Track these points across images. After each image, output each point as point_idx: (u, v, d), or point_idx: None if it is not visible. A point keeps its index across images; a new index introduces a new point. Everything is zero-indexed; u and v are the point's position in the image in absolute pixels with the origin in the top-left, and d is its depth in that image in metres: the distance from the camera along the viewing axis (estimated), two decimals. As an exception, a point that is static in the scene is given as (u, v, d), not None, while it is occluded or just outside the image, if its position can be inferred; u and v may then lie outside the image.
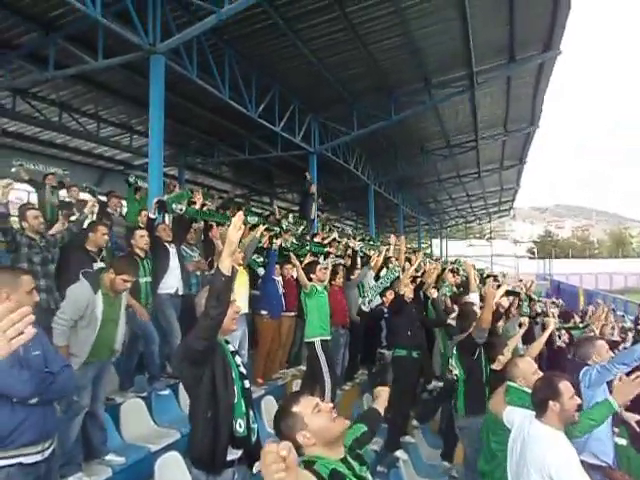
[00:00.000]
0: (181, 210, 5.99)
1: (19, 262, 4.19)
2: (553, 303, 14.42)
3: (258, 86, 10.60)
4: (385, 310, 6.80)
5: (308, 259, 6.83)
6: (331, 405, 1.83)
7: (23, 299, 2.36)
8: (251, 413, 2.54)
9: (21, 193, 10.89)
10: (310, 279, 5.49)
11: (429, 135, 16.50)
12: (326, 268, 6.01)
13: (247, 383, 2.60)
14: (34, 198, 8.32)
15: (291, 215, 11.71)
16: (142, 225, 5.80)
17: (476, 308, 4.85)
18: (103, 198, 7.95)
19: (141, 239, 4.98)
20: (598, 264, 47.80)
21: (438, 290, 7.00)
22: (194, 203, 6.60)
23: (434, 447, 5.81)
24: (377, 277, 7.93)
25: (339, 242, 10.40)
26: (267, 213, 12.79)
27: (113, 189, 8.56)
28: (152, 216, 5.53)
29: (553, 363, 7.36)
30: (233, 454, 2.44)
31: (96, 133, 13.14)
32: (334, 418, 1.79)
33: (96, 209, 7.10)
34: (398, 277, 6.37)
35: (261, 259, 6.54)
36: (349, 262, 8.12)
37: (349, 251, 8.93)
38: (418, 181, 22.76)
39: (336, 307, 6.23)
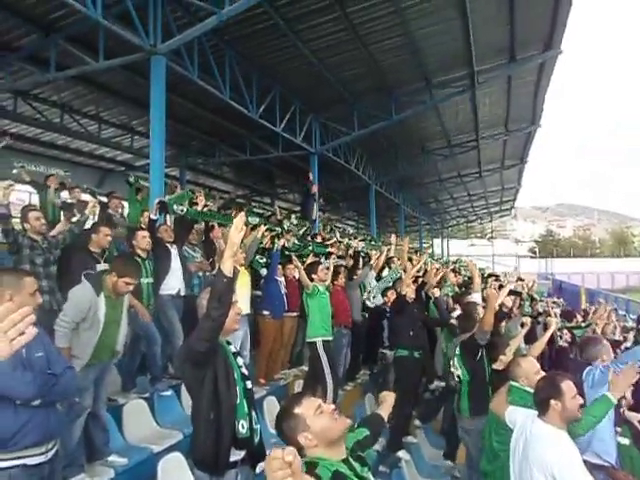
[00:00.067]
0: (182, 211, 5.99)
1: (21, 263, 4.19)
2: (554, 303, 14.40)
3: (259, 86, 10.60)
4: (387, 309, 6.81)
5: (310, 259, 6.84)
6: (333, 406, 1.83)
7: (26, 301, 2.37)
8: (253, 414, 2.55)
9: (22, 194, 10.93)
10: (312, 279, 5.49)
11: (430, 135, 16.49)
12: (328, 268, 6.01)
13: (249, 384, 2.61)
14: (35, 199, 8.34)
15: (293, 216, 11.71)
16: (144, 226, 5.80)
17: (479, 307, 4.84)
18: (104, 199, 7.96)
19: (143, 240, 4.99)
20: (600, 263, 47.76)
21: (440, 290, 7.00)
22: (196, 204, 6.60)
23: (436, 447, 5.81)
24: (379, 277, 7.94)
25: (340, 242, 10.41)
26: (268, 214, 12.80)
27: (115, 190, 8.57)
28: (153, 217, 5.53)
29: (555, 363, 7.35)
30: (236, 455, 2.44)
31: (97, 134, 13.15)
32: (336, 419, 1.78)
33: (97, 210, 7.12)
34: (400, 277, 6.37)
35: (264, 260, 6.55)
36: (350, 262, 8.12)
37: (350, 251, 8.93)
38: (419, 181, 22.75)
39: (338, 307, 6.23)
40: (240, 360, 2.63)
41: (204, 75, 9.04)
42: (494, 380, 4.00)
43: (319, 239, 9.96)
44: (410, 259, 8.65)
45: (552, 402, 2.62)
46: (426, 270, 7.72)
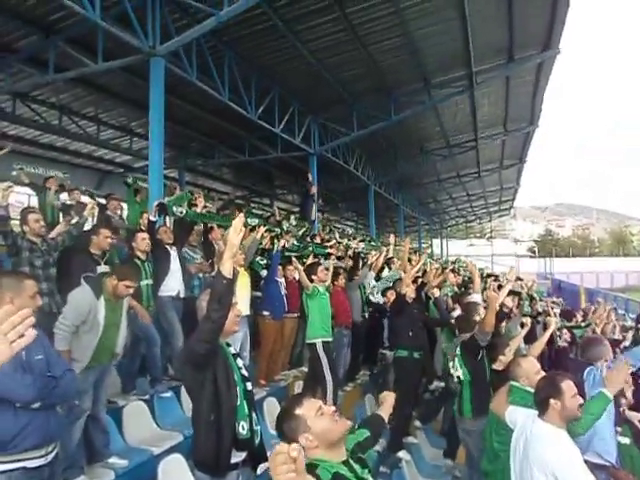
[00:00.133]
0: (182, 213, 5.99)
1: (20, 266, 4.19)
2: (554, 302, 14.39)
3: (258, 88, 10.60)
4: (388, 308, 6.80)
5: (310, 260, 6.84)
6: (334, 408, 1.83)
7: (26, 303, 2.36)
8: (254, 415, 2.55)
9: (21, 196, 10.93)
10: (312, 280, 5.49)
11: (429, 135, 16.50)
12: (327, 269, 6.01)
13: (249, 385, 2.61)
14: (34, 201, 8.34)
15: (292, 217, 11.71)
16: (143, 228, 5.80)
17: (480, 307, 4.85)
18: (102, 201, 7.95)
19: (142, 242, 4.99)
20: (599, 263, 47.76)
21: (440, 290, 7.00)
22: (195, 205, 6.60)
23: (437, 447, 5.81)
24: (378, 278, 7.94)
25: (340, 243, 10.41)
26: (267, 215, 12.80)
27: (113, 192, 8.56)
28: (152, 219, 5.53)
29: (555, 362, 7.35)
30: (237, 456, 2.44)
31: (96, 136, 13.14)
32: (337, 420, 1.78)
33: (95, 212, 7.11)
34: (400, 278, 6.37)
35: (264, 261, 6.55)
36: (350, 263, 8.13)
37: (350, 252, 8.93)
38: (418, 181, 22.76)
39: (338, 308, 6.24)
40: (240, 361, 2.64)
41: (203, 76, 9.04)
42: (494, 380, 4.00)
43: (318, 240, 9.96)
44: (409, 259, 8.66)
45: (552, 401, 2.63)
46: (425, 270, 7.72)
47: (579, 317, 10.42)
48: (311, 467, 1.67)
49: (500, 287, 6.31)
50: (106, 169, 16.16)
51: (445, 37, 10.05)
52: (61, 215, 7.36)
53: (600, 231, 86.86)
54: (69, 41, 8.28)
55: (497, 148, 18.96)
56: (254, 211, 13.63)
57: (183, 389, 4.41)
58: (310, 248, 8.38)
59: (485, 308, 4.42)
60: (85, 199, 7.80)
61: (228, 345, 2.64)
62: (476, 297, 5.56)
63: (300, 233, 9.67)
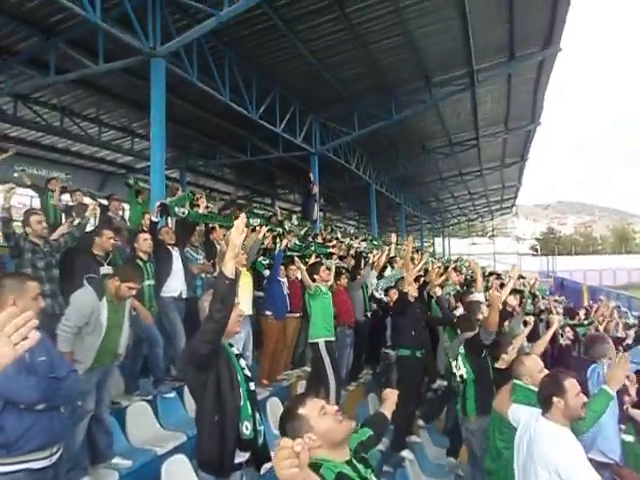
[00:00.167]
0: (184, 213, 6.00)
1: (23, 267, 4.20)
2: (555, 301, 14.36)
3: (258, 87, 10.60)
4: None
5: (312, 260, 6.83)
6: (336, 407, 1.83)
7: (29, 305, 2.37)
8: (257, 415, 2.55)
9: (23, 198, 10.94)
10: (314, 280, 5.49)
11: (430, 134, 16.49)
12: (329, 268, 6.01)
13: (252, 385, 2.61)
14: (36, 203, 8.35)
15: (294, 216, 11.71)
16: (145, 228, 5.81)
17: (483, 306, 4.84)
18: (104, 202, 7.96)
19: (144, 242, 4.99)
20: (601, 260, 47.74)
21: (442, 289, 6.99)
22: (197, 206, 6.60)
23: (440, 446, 5.81)
24: (380, 277, 7.94)
25: (342, 242, 10.41)
26: (269, 214, 12.80)
27: (116, 193, 8.57)
28: (155, 219, 5.54)
29: (557, 360, 7.33)
30: (241, 457, 2.45)
31: (98, 137, 13.16)
32: (340, 420, 1.78)
33: (97, 212, 7.12)
34: (402, 277, 6.37)
35: (267, 261, 6.55)
36: (352, 263, 8.12)
37: (351, 251, 8.93)
38: (420, 180, 22.74)
39: (341, 307, 6.24)
40: (243, 362, 2.64)
41: (204, 77, 9.05)
42: (497, 379, 4.00)
43: (320, 239, 9.96)
44: (412, 258, 8.66)
45: (555, 399, 2.62)
46: (427, 269, 7.72)
47: (582, 315, 10.40)
48: (314, 467, 1.67)
49: (502, 286, 6.30)
50: (108, 170, 16.19)
51: (445, 35, 10.04)
52: (63, 216, 7.37)
53: (602, 229, 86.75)
54: (70, 43, 8.30)
55: (499, 146, 18.94)
56: (256, 211, 13.64)
57: (186, 389, 4.42)
58: (312, 248, 8.38)
59: (488, 306, 4.42)
60: (87, 200, 7.81)
61: (231, 345, 2.64)
62: (478, 296, 5.56)
63: (302, 233, 9.67)
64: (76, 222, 5.01)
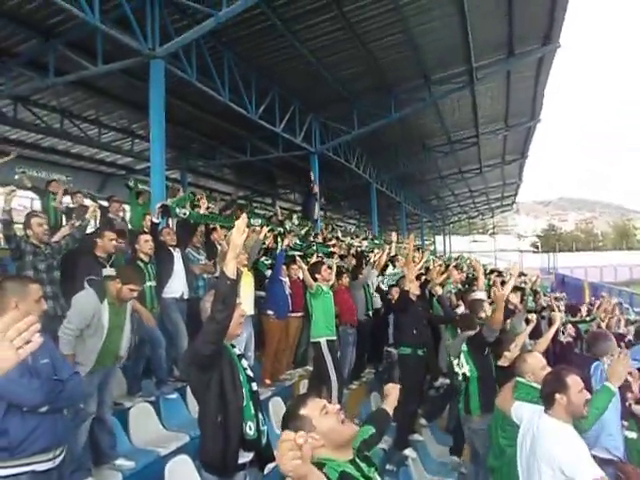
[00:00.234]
0: (185, 214, 6.00)
1: (24, 269, 4.20)
2: (556, 298, 14.33)
3: (258, 87, 10.60)
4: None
5: (313, 259, 6.83)
6: (338, 406, 1.83)
7: (31, 308, 2.37)
8: (260, 415, 2.55)
9: (24, 200, 10.95)
10: (315, 279, 5.49)
11: (430, 132, 16.49)
12: (330, 267, 6.01)
13: (255, 386, 2.61)
14: (37, 205, 8.35)
15: (295, 216, 11.72)
16: (146, 230, 5.81)
17: (485, 305, 4.84)
18: (104, 203, 7.96)
19: (145, 244, 4.99)
20: (602, 257, 47.69)
21: (443, 287, 6.99)
22: (198, 207, 6.61)
23: (443, 445, 5.81)
24: (381, 276, 7.93)
25: (342, 241, 10.41)
26: (270, 214, 12.81)
27: (116, 194, 8.57)
28: (156, 220, 5.54)
29: (560, 357, 7.33)
30: (244, 457, 2.45)
31: (97, 139, 13.17)
32: (342, 420, 1.78)
33: (98, 214, 7.12)
34: (404, 275, 6.37)
35: (269, 261, 6.55)
36: (352, 262, 8.12)
37: (352, 250, 8.93)
38: (420, 178, 22.74)
39: (343, 306, 6.24)
40: (245, 362, 2.64)
41: (203, 77, 9.04)
42: (499, 377, 3.99)
43: (320, 239, 9.96)
44: (413, 257, 8.66)
45: (557, 396, 2.62)
46: (428, 268, 7.71)
47: (584, 312, 10.39)
48: (318, 466, 1.67)
49: (504, 283, 6.29)
50: (108, 171, 16.19)
51: (444, 33, 10.02)
52: (64, 218, 7.38)
53: (603, 225, 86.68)
54: (69, 44, 8.30)
55: (499, 143, 18.93)
56: (256, 211, 13.66)
57: (189, 390, 4.42)
58: (314, 247, 8.38)
59: (490, 304, 4.42)
60: (87, 202, 7.82)
61: (233, 346, 2.64)
62: (480, 294, 5.55)
63: (303, 232, 9.68)
64: (77, 224, 5.02)
